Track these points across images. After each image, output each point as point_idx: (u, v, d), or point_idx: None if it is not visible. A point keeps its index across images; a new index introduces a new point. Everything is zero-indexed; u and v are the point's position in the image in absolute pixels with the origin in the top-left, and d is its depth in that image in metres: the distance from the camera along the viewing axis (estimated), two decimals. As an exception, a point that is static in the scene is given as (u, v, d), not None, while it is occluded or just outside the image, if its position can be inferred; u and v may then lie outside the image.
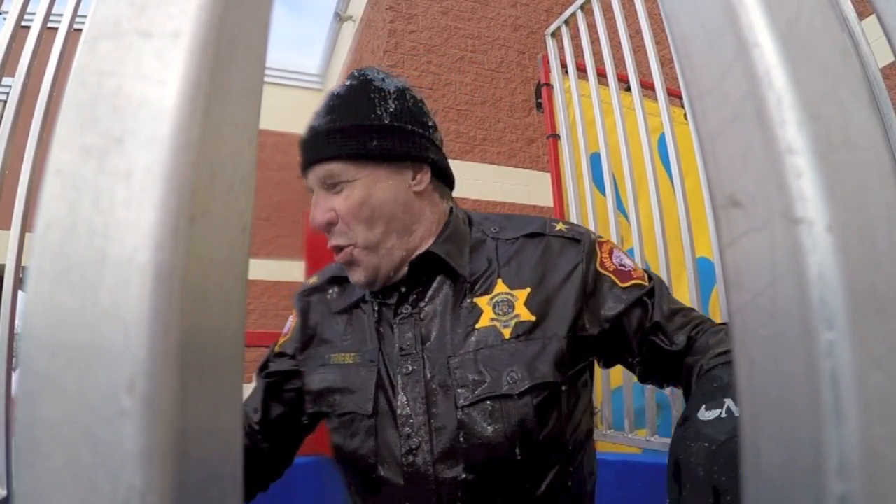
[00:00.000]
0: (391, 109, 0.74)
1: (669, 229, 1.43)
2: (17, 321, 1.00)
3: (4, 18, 1.08)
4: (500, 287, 0.76)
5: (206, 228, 0.15)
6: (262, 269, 7.34)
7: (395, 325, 0.77)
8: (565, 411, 0.73)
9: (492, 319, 0.74)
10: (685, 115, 1.93)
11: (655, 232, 1.42)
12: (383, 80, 0.78)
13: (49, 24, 1.09)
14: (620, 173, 1.53)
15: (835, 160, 0.15)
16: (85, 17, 0.19)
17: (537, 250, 0.78)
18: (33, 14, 1.09)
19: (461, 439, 0.69)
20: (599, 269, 0.78)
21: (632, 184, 1.49)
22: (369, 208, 0.72)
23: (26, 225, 1.00)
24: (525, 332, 0.72)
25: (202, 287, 0.15)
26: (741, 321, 0.16)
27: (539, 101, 1.95)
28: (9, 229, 0.99)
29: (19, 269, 1.00)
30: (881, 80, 0.90)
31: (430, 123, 0.80)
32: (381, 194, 0.72)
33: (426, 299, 0.77)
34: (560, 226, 0.82)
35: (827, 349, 0.14)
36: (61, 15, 1.10)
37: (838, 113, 0.16)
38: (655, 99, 1.47)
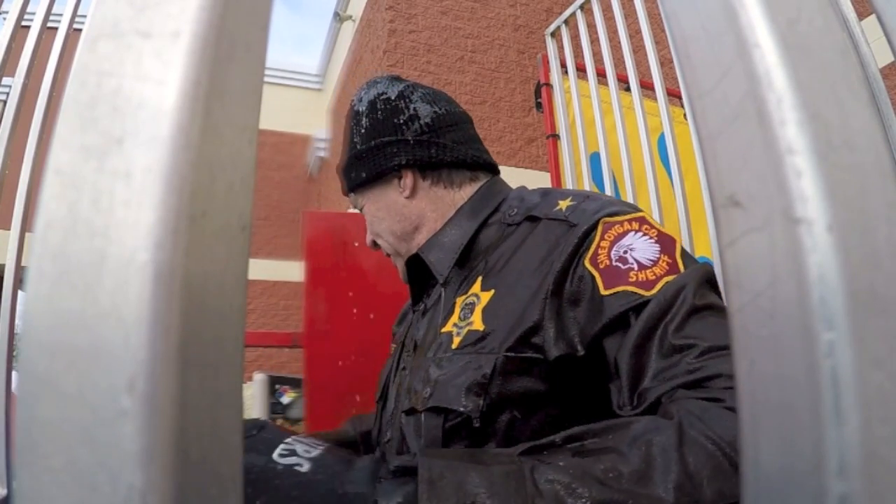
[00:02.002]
0: (363, 131, 0.77)
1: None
2: (17, 321, 1.00)
3: (4, 18, 1.08)
4: (476, 286, 0.67)
5: (206, 228, 0.15)
6: (262, 269, 7.35)
7: (412, 323, 0.79)
8: (488, 442, 0.58)
9: (454, 324, 0.66)
10: (685, 115, 1.93)
11: (655, 232, 1.42)
12: (361, 98, 0.79)
13: (49, 24, 1.09)
14: (620, 173, 1.52)
15: (835, 160, 0.15)
16: (85, 17, 0.19)
17: (520, 240, 0.66)
18: (33, 14, 1.08)
19: (404, 446, 0.66)
20: (587, 264, 0.58)
21: (631, 184, 1.49)
22: (377, 225, 0.79)
23: (26, 225, 1.00)
24: (470, 344, 0.61)
25: (202, 287, 0.15)
26: (741, 321, 0.16)
27: (539, 101, 1.95)
28: (9, 229, 0.99)
29: (19, 269, 1.00)
30: (881, 80, 0.90)
31: (403, 119, 0.75)
32: (380, 213, 0.78)
33: (427, 298, 0.77)
34: (565, 203, 0.66)
35: (827, 349, 0.14)
36: (61, 15, 1.10)
37: (838, 113, 0.16)
38: (655, 99, 1.47)
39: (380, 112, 0.76)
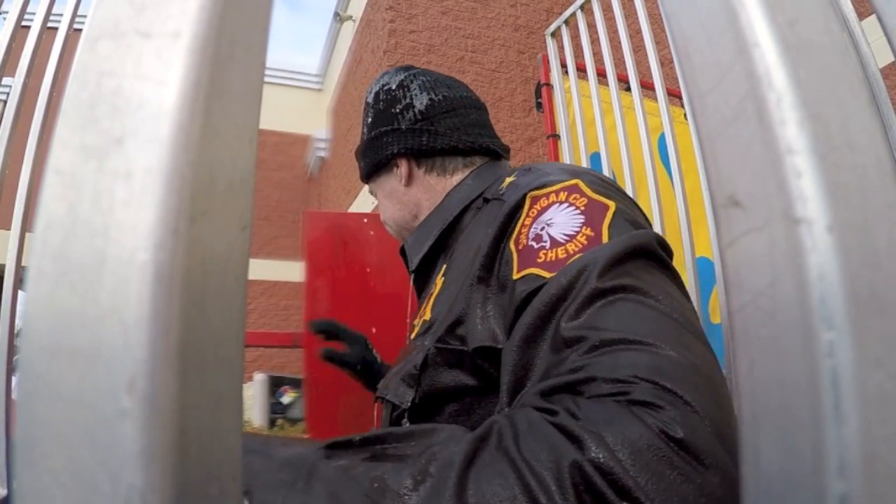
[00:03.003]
0: (369, 121, 0.80)
1: (669, 229, 1.43)
2: (17, 321, 1.00)
3: (4, 18, 1.08)
4: (440, 274, 0.66)
5: (206, 228, 0.15)
6: (262, 269, 7.34)
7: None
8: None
9: (417, 313, 0.66)
10: (685, 115, 1.93)
11: (655, 232, 1.42)
12: (371, 91, 0.81)
13: (49, 24, 1.09)
14: (620, 173, 1.52)
15: (835, 160, 0.15)
16: (85, 17, 0.19)
17: (473, 223, 0.63)
18: (33, 14, 1.08)
19: None
20: (511, 245, 0.52)
21: (632, 183, 1.49)
22: (384, 213, 0.83)
23: (26, 225, 1.00)
24: (420, 335, 0.60)
25: (202, 287, 0.15)
26: (741, 321, 0.16)
27: (539, 100, 1.95)
28: (9, 229, 0.99)
29: (19, 269, 1.00)
30: (881, 80, 0.90)
31: (399, 109, 0.75)
32: (385, 201, 0.81)
33: (426, 287, 0.77)
34: (509, 179, 0.61)
35: (827, 349, 0.14)
36: (61, 15, 1.10)
37: (838, 113, 0.16)
38: (655, 99, 1.47)
39: (381, 103, 0.79)
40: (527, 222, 0.53)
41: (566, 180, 0.54)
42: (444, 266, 0.67)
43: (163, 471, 0.13)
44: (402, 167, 0.76)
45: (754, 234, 0.16)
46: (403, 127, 0.75)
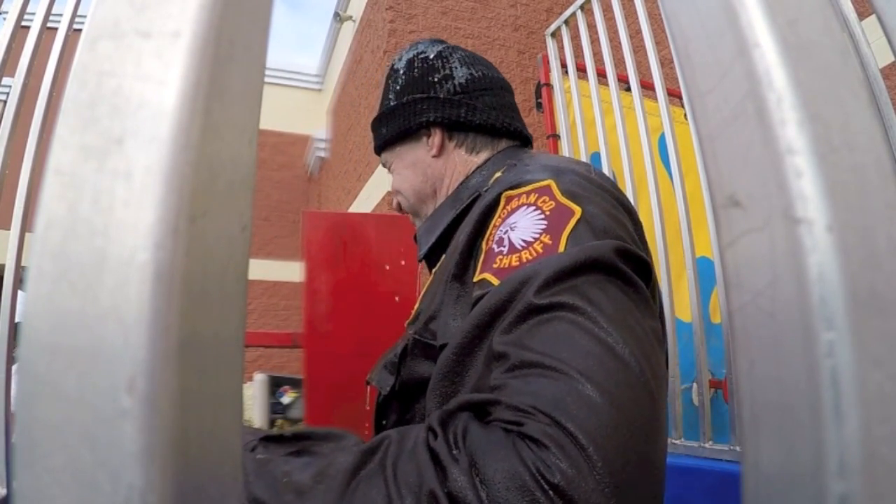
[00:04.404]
0: (398, 88, 0.77)
1: (669, 229, 1.43)
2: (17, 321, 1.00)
3: (4, 18, 1.08)
4: (437, 266, 0.68)
5: (206, 228, 0.15)
6: (262, 269, 7.34)
7: None
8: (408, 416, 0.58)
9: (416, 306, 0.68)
10: (685, 115, 1.93)
11: (655, 232, 1.42)
12: (401, 57, 0.79)
13: (49, 24, 1.09)
14: (620, 173, 1.52)
15: (835, 160, 0.15)
16: (85, 17, 0.19)
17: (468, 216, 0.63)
18: (33, 14, 1.08)
19: None
20: (483, 245, 0.53)
21: (632, 184, 1.49)
22: (402, 182, 0.79)
23: (26, 225, 1.00)
24: (410, 324, 0.64)
25: (202, 287, 0.15)
26: (741, 321, 0.16)
27: (539, 101, 1.95)
28: (9, 229, 0.99)
29: (19, 269, 1.00)
30: (881, 80, 0.90)
31: (437, 78, 0.75)
32: (406, 170, 0.78)
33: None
34: (499, 173, 0.63)
35: (827, 349, 0.14)
36: (61, 15, 1.10)
37: (838, 113, 0.16)
38: (655, 99, 1.47)
39: (416, 70, 0.77)
40: (497, 223, 0.52)
41: (540, 180, 0.53)
42: (443, 257, 0.67)
43: (163, 471, 0.13)
44: (436, 136, 0.74)
45: (754, 234, 0.16)
46: (441, 96, 0.74)
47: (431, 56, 0.77)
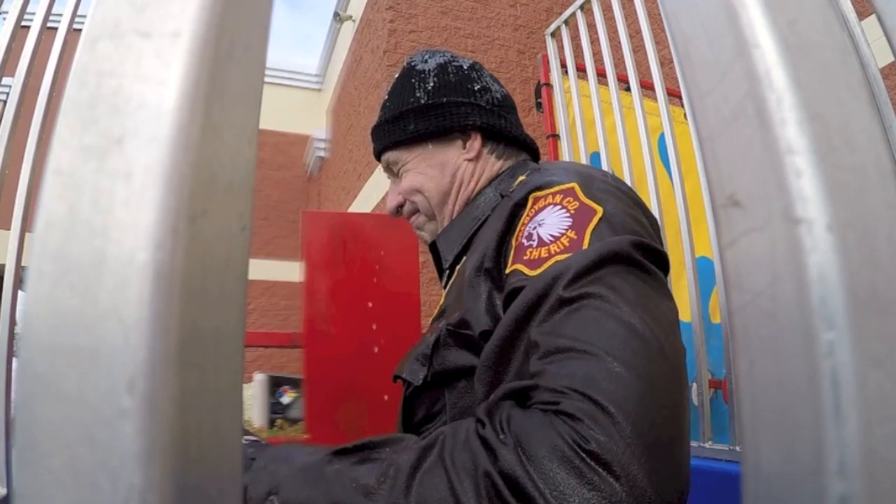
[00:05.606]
0: (430, 88, 0.77)
1: (669, 229, 1.43)
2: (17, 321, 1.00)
3: (4, 18, 1.08)
4: (460, 264, 0.70)
5: (206, 228, 0.15)
6: (262, 269, 7.34)
7: None
8: (446, 411, 0.60)
9: (442, 302, 0.71)
10: (685, 115, 1.93)
11: (655, 232, 1.42)
12: (426, 60, 0.80)
13: (49, 24, 1.09)
14: (620, 173, 1.52)
15: (835, 160, 0.15)
16: (85, 17, 0.19)
17: (490, 218, 0.66)
18: (33, 14, 1.08)
19: None
20: (513, 241, 0.57)
21: (632, 184, 1.48)
22: (423, 183, 0.77)
23: (26, 225, 1.00)
24: (437, 319, 0.67)
25: (202, 287, 0.15)
26: (741, 321, 0.16)
27: (539, 101, 1.95)
28: (9, 229, 0.99)
29: (19, 269, 1.00)
30: (881, 80, 0.90)
31: (477, 88, 0.77)
32: (431, 170, 0.77)
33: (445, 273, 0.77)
34: (522, 177, 0.66)
35: (827, 349, 0.14)
36: (61, 15, 1.10)
37: (838, 113, 0.16)
38: (655, 99, 1.47)
39: (452, 75, 0.78)
40: (525, 221, 0.57)
41: (565, 183, 0.58)
42: (464, 258, 0.70)
43: (163, 471, 0.13)
44: (476, 140, 0.76)
45: (754, 234, 0.16)
46: (483, 104, 0.76)
47: (465, 67, 0.79)
